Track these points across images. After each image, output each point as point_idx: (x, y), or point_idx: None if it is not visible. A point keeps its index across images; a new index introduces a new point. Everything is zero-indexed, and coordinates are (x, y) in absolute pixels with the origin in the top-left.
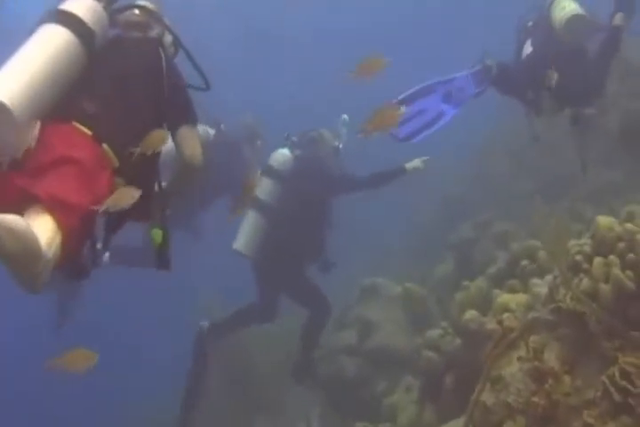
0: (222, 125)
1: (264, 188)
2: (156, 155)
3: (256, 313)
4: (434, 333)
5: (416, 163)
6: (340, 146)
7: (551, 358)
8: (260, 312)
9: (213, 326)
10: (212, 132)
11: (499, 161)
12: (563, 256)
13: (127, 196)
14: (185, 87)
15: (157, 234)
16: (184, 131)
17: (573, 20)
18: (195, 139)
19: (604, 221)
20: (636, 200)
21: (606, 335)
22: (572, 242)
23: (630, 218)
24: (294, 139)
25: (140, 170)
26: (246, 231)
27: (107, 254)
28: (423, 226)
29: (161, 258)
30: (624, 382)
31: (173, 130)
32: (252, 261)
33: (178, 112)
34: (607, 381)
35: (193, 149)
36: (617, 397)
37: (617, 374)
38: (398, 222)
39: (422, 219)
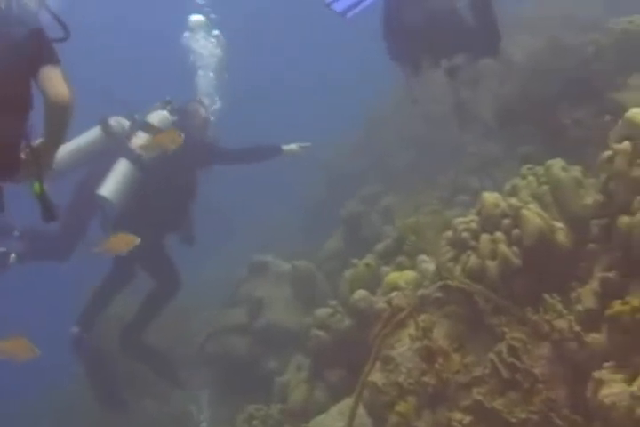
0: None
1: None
2: (20, 111)
3: (112, 281)
4: (323, 311)
5: (294, 146)
6: (212, 119)
7: (440, 336)
8: (113, 279)
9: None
10: (127, 123)
11: (385, 133)
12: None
13: None
14: (41, 30)
15: (36, 186)
16: (45, 71)
17: None
18: (58, 77)
19: (489, 197)
20: (515, 172)
21: (493, 312)
22: (459, 219)
23: (514, 192)
24: (173, 105)
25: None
26: (116, 179)
27: (12, 255)
28: (313, 201)
29: (44, 209)
30: (511, 359)
31: (35, 73)
32: (112, 214)
33: (36, 54)
34: (495, 357)
35: (56, 88)
36: (505, 373)
37: (504, 350)
38: (289, 199)
39: (312, 194)
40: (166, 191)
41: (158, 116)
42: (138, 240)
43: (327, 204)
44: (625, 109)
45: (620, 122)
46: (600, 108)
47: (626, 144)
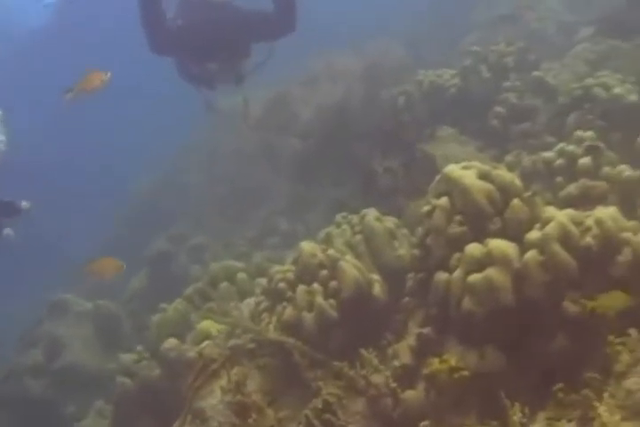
0: None
1: None
2: None
3: None
4: (128, 357)
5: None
6: None
7: (254, 389)
8: None
9: None
10: None
11: (193, 170)
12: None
13: None
14: None
15: None
16: None
17: None
18: None
19: (307, 246)
20: (326, 216)
21: (309, 365)
22: (276, 268)
23: (328, 240)
24: None
25: None
26: None
27: None
28: (117, 237)
29: None
30: (327, 414)
31: None
32: None
33: None
34: (310, 413)
35: None
36: None
37: (319, 405)
38: (92, 235)
39: (115, 230)
40: None
41: None
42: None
43: (132, 241)
44: (433, 161)
45: (438, 177)
46: (410, 158)
47: (444, 200)
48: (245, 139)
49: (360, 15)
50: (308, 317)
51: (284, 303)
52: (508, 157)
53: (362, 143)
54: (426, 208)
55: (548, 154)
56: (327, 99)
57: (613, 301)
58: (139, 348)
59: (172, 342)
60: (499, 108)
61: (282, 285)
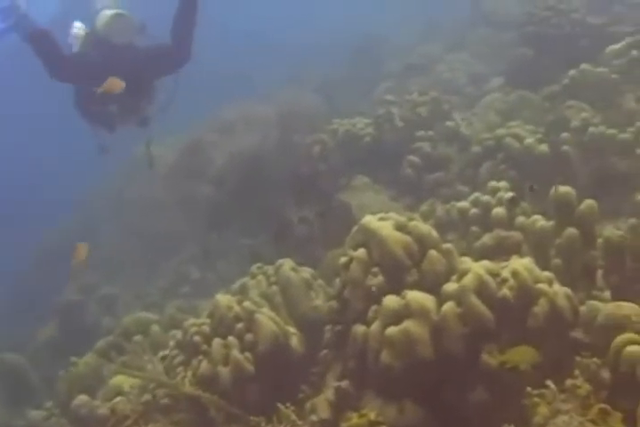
0: None
1: None
2: None
3: None
4: (37, 414)
5: None
6: None
7: None
8: None
9: None
10: None
11: (103, 217)
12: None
13: None
14: None
15: None
16: None
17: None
18: None
19: (222, 299)
20: (239, 265)
21: (225, 420)
22: (191, 321)
23: (243, 291)
24: None
25: None
26: None
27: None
28: (22, 288)
29: None
30: None
31: None
32: None
33: None
34: None
35: None
36: None
37: None
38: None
39: (25, 278)
40: None
41: None
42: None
43: (39, 290)
44: (349, 210)
45: (355, 228)
46: (326, 207)
47: (361, 251)
48: (157, 185)
49: (273, 65)
50: (224, 371)
51: (200, 357)
52: (423, 207)
53: (276, 192)
54: (343, 260)
55: (463, 203)
56: (242, 146)
57: (522, 356)
58: (48, 404)
59: (82, 398)
60: (413, 157)
61: (197, 338)
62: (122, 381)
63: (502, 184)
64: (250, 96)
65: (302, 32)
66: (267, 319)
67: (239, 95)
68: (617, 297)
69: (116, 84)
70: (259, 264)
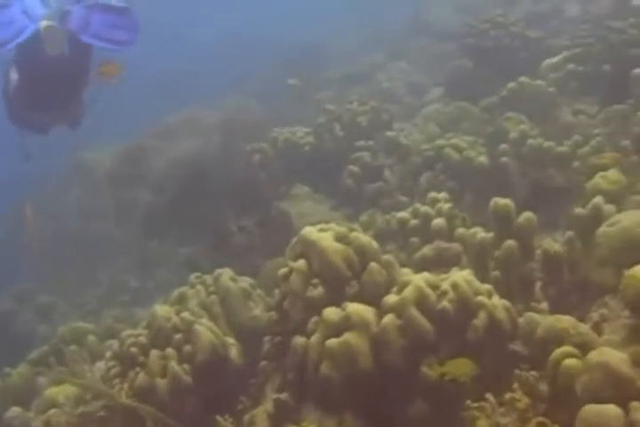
0: None
1: None
2: None
3: None
4: None
5: None
6: None
7: None
8: None
9: None
10: None
11: (39, 224)
12: None
13: None
14: None
15: None
16: None
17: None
18: None
19: (160, 310)
20: (178, 273)
21: None
22: (127, 332)
23: (182, 301)
24: None
25: None
26: None
27: None
28: None
29: None
30: None
31: None
32: None
33: None
34: None
35: None
36: None
37: None
38: None
39: None
40: None
41: None
42: None
43: None
44: (289, 220)
45: (294, 239)
46: (265, 216)
47: (301, 263)
48: (94, 191)
49: (215, 73)
50: (162, 383)
51: (137, 369)
52: (363, 217)
53: (216, 199)
54: (283, 271)
55: (402, 214)
56: (183, 152)
57: (461, 368)
58: None
59: (15, 410)
60: (353, 167)
61: (134, 349)
62: (56, 392)
63: (442, 195)
64: (193, 102)
65: (244, 39)
66: (205, 330)
67: (182, 101)
68: (554, 309)
69: (112, 69)
70: (197, 274)
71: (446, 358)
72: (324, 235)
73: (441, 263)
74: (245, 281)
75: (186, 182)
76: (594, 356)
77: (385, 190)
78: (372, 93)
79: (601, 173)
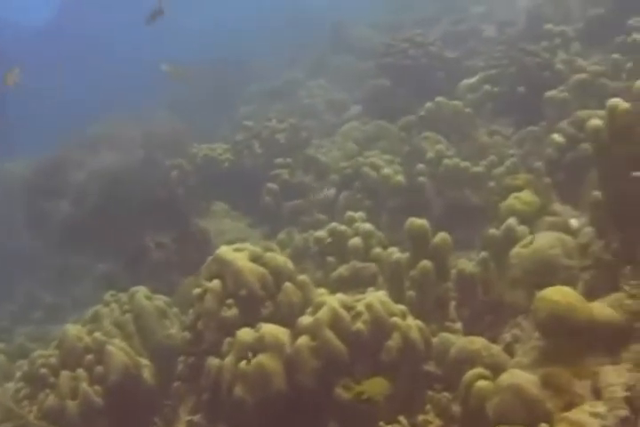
0: None
1: None
2: None
3: None
4: None
5: None
6: None
7: None
8: None
9: None
10: None
11: None
12: None
13: None
14: None
15: None
16: None
17: None
18: None
19: (72, 329)
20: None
21: None
22: (38, 352)
23: (96, 319)
24: None
25: None
26: None
27: None
28: None
29: None
30: None
31: None
32: None
33: None
34: None
35: None
36: None
37: None
38: None
39: None
40: None
41: None
42: None
43: None
44: (207, 236)
45: (209, 258)
46: (183, 232)
47: (216, 282)
48: (10, 203)
49: (137, 87)
50: (72, 404)
51: (47, 390)
52: (281, 235)
53: (135, 214)
54: (197, 291)
55: (320, 233)
56: (104, 164)
57: (375, 387)
58: None
59: None
60: (271, 185)
61: (44, 370)
62: None
63: (358, 215)
64: (116, 114)
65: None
66: (118, 351)
67: (105, 113)
68: (468, 329)
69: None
70: (112, 292)
71: (361, 378)
72: (239, 255)
73: (357, 283)
74: (161, 299)
75: (105, 196)
76: (505, 378)
77: (303, 208)
78: (292, 110)
79: (515, 194)
